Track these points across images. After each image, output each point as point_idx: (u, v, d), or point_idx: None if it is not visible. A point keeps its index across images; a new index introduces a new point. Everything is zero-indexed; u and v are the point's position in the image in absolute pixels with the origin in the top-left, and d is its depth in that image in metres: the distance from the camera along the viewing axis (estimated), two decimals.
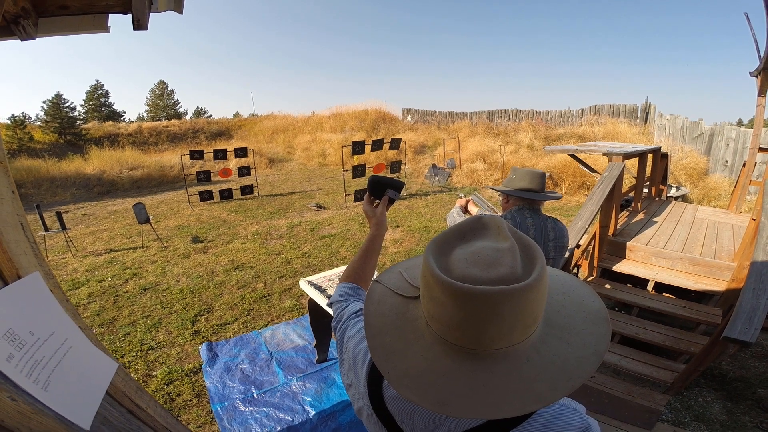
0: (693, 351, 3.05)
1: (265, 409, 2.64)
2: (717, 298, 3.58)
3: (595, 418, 0.59)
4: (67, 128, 19.57)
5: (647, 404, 2.62)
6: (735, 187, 6.42)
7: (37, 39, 1.36)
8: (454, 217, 2.13)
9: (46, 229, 5.96)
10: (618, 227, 4.54)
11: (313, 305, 2.94)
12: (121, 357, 3.32)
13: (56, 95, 21.76)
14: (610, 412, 2.53)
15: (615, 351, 3.21)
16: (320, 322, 2.98)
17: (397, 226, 7.15)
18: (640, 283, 3.99)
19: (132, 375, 3.08)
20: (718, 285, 3.62)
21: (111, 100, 30.34)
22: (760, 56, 4.85)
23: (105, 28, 1.32)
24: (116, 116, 29.50)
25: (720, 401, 2.73)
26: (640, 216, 5.25)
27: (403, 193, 9.88)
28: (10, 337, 0.78)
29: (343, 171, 9.41)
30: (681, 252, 3.94)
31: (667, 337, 3.25)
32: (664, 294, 3.87)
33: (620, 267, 4.07)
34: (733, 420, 2.57)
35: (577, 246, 3.42)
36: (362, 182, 9.76)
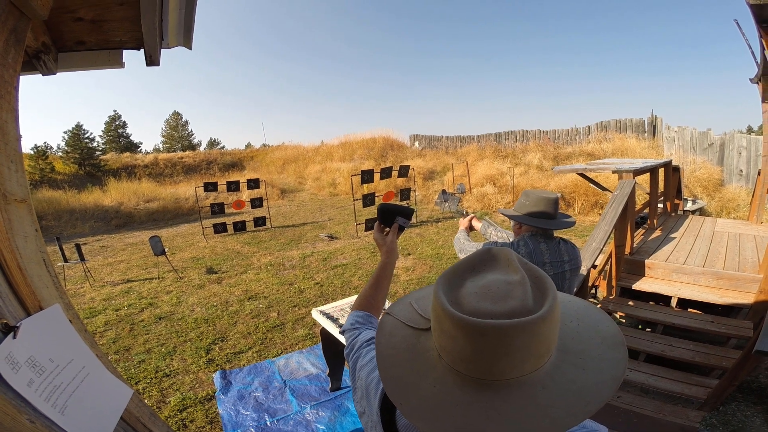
0: (725, 366, 2.94)
1: None
2: (746, 311, 3.45)
3: None
4: (86, 159, 19.89)
5: (680, 421, 2.50)
6: (753, 197, 6.27)
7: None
8: (461, 242, 2.08)
9: (66, 260, 6.12)
10: (635, 245, 4.45)
11: (325, 334, 2.92)
12: (136, 383, 3.31)
13: (76, 126, 22.29)
14: None
15: (641, 370, 3.09)
16: (333, 350, 2.95)
17: (409, 254, 7.11)
18: (662, 300, 3.86)
19: (146, 401, 3.07)
20: (746, 298, 3.49)
21: (128, 130, 31.08)
22: (757, 62, 4.77)
23: (120, 64, 1.39)
24: (133, 147, 30.12)
25: (761, 415, 2.61)
26: (657, 233, 5.14)
27: (413, 220, 9.87)
28: (31, 363, 0.80)
29: (354, 200, 9.48)
30: (703, 267, 3.83)
31: (696, 353, 3.13)
32: (689, 310, 3.74)
33: (640, 285, 3.96)
34: None
35: (594, 266, 3.34)
36: (372, 211, 9.78)
